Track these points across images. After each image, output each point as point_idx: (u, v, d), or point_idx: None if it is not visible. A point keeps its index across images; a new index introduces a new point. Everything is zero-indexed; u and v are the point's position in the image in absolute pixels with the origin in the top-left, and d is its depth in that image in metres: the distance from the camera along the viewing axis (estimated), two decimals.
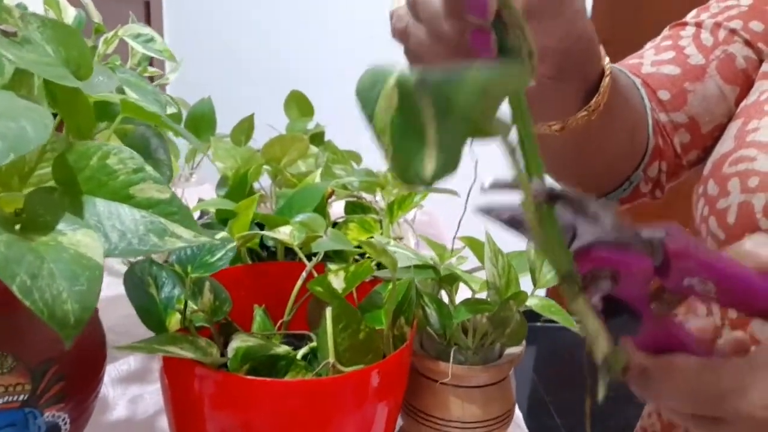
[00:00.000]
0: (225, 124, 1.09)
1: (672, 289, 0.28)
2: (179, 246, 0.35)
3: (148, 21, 1.96)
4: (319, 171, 0.79)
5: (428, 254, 0.59)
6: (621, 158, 0.56)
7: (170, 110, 0.73)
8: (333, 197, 0.90)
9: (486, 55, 0.28)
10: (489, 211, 0.28)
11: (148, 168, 0.36)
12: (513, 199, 0.25)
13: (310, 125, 1.14)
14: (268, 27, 2.22)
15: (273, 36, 2.23)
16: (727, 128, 0.55)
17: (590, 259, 0.26)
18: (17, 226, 0.34)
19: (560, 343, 2.42)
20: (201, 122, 1.07)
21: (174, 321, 0.43)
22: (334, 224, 0.81)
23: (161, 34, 2.12)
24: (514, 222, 0.27)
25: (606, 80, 0.45)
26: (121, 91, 0.60)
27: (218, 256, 0.42)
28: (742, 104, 0.55)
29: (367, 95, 0.17)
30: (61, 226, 0.33)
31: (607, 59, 0.46)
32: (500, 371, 0.53)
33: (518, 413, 0.71)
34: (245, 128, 0.95)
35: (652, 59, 0.58)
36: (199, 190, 1.23)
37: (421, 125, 0.15)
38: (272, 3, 2.19)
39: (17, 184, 0.38)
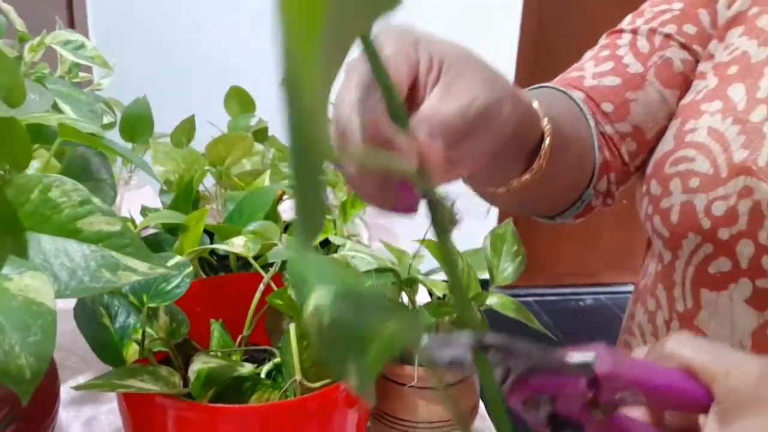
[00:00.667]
0: (161, 124, 1.05)
1: (606, 402, 0.31)
2: (134, 280, 0.34)
3: (71, 19, 1.85)
4: (268, 173, 0.77)
5: (386, 256, 0.59)
6: (570, 188, 0.57)
7: (106, 119, 0.69)
8: (285, 197, 0.89)
9: (410, 200, 0.29)
10: (428, 355, 0.29)
11: (95, 199, 0.34)
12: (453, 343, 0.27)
13: (253, 121, 1.12)
14: (200, 19, 2.15)
15: (206, 29, 2.16)
16: (668, 127, 0.57)
17: (527, 388, 0.29)
18: None
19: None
20: (137, 124, 1.03)
21: (132, 351, 0.42)
22: (287, 226, 0.80)
23: (86, 31, 2.02)
24: (454, 364, 0.28)
25: (546, 142, 0.45)
26: (54, 105, 0.57)
27: (175, 283, 0.41)
28: (681, 103, 0.57)
29: (299, 290, 0.18)
30: (5, 270, 0.31)
31: (545, 120, 0.45)
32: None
33: (480, 404, 0.72)
34: (186, 129, 0.92)
35: (593, 71, 0.58)
36: (139, 193, 1.18)
37: (340, 348, 0.16)
38: None
39: None
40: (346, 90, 0.32)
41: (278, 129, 1.13)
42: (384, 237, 1.14)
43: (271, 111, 1.28)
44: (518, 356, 0.28)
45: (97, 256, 0.34)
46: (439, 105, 0.33)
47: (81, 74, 0.76)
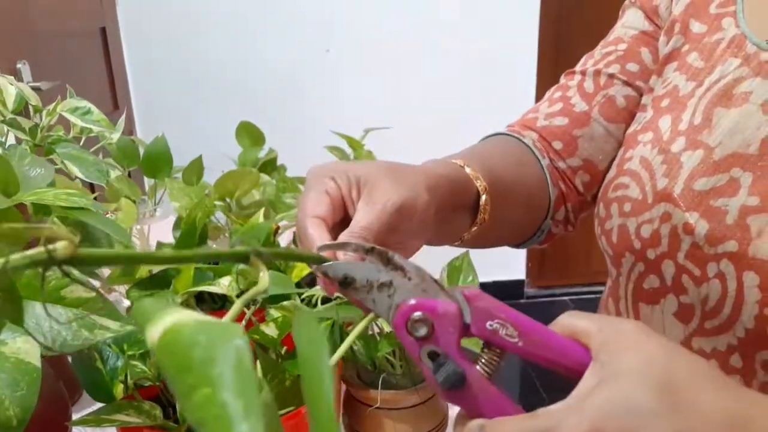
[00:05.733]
0: (190, 150, 1.16)
1: (479, 334, 0.34)
2: (108, 336, 0.41)
3: (105, 46, 1.98)
4: (262, 211, 0.84)
5: None
6: (524, 226, 0.63)
7: (114, 173, 0.78)
8: (286, 224, 0.96)
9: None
10: (325, 271, 0.35)
11: (75, 272, 0.42)
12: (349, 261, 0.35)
13: (263, 152, 1.20)
14: (223, 58, 2.27)
15: (229, 68, 2.28)
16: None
17: (409, 309, 0.34)
18: None
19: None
20: (157, 161, 1.13)
21: (121, 389, 0.49)
22: None
23: (122, 59, 2.15)
24: (345, 282, 0.35)
25: (483, 199, 0.51)
26: (62, 163, 0.66)
27: None
28: (626, 133, 0.62)
29: None
30: (3, 336, 0.39)
31: (479, 181, 0.50)
32: (426, 392, 0.60)
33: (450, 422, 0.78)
34: (195, 169, 1.01)
35: (545, 112, 0.64)
36: (163, 224, 1.28)
37: None
38: (220, 25, 2.23)
39: None
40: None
41: (287, 157, 1.21)
42: None
43: (285, 137, 1.38)
44: (398, 272, 0.34)
45: (78, 318, 0.42)
46: (359, 217, 0.40)
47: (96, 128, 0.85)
